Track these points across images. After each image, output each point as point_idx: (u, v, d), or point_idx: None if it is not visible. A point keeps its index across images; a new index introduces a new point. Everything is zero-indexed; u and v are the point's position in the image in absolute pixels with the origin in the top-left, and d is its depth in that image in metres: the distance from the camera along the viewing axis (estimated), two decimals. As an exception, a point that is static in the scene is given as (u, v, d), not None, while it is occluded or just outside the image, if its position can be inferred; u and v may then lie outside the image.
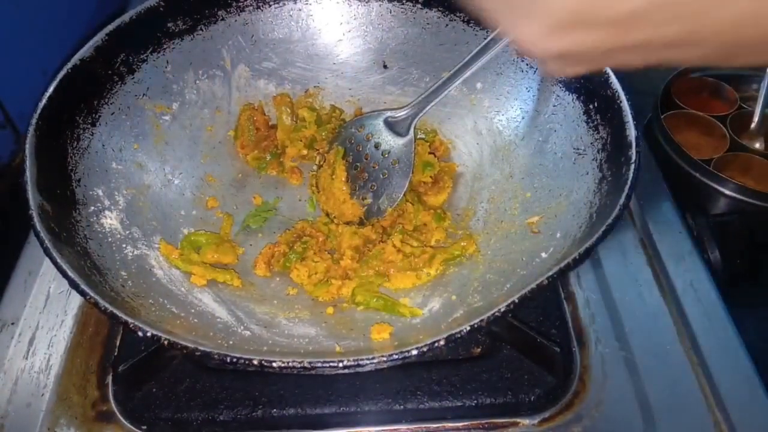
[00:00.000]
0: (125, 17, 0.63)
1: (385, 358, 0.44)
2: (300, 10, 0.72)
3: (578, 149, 0.58)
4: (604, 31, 0.27)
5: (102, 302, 0.46)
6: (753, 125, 0.81)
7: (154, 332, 0.44)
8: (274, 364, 0.43)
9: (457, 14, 0.68)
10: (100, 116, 0.61)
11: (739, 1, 0.26)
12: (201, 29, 0.69)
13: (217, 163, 0.71)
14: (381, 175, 0.65)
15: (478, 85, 0.69)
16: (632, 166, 0.49)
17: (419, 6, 0.70)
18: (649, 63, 0.30)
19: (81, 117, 0.60)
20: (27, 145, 0.53)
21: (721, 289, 0.63)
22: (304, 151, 0.72)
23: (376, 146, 0.65)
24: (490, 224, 0.64)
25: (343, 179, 0.66)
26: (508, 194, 0.64)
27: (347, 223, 0.65)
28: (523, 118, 0.66)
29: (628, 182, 0.49)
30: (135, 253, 0.58)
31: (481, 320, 0.45)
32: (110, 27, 0.62)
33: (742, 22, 0.27)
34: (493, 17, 0.30)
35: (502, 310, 0.45)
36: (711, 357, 0.58)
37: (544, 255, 0.54)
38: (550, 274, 0.46)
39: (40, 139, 0.54)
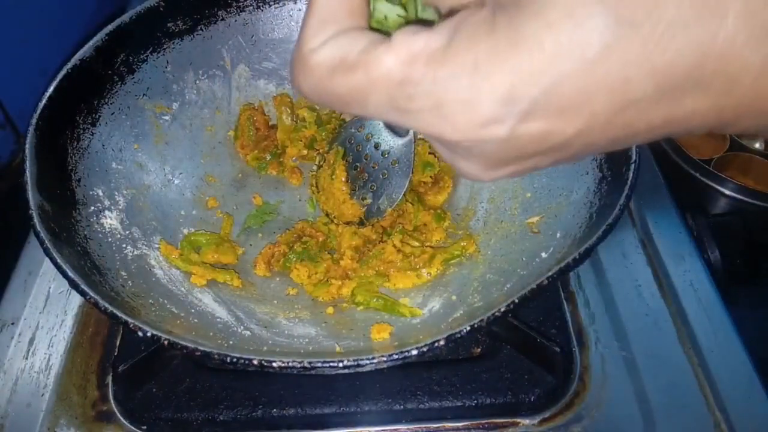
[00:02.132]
0: (125, 17, 0.63)
1: (385, 358, 0.44)
2: (300, 10, 0.72)
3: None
4: (537, 159, 0.28)
5: (102, 302, 0.45)
6: (753, 125, 0.81)
7: (154, 332, 0.44)
8: (274, 364, 0.43)
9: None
10: (100, 116, 0.61)
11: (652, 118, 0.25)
12: (201, 29, 0.69)
13: (217, 163, 0.71)
14: (381, 176, 0.65)
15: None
16: (632, 166, 0.49)
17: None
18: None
19: (81, 117, 0.60)
20: (27, 145, 0.53)
21: (721, 289, 0.63)
22: (304, 151, 0.72)
23: (376, 146, 0.65)
24: (490, 224, 0.64)
25: (343, 179, 0.66)
26: (508, 194, 0.64)
27: (347, 223, 0.65)
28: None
29: (628, 182, 0.49)
30: (135, 253, 0.58)
31: (481, 320, 0.45)
32: (110, 27, 0.62)
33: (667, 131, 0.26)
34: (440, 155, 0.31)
35: (502, 310, 0.45)
36: (711, 357, 0.58)
37: (544, 255, 0.54)
38: (550, 274, 0.45)
39: (40, 139, 0.54)
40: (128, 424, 0.56)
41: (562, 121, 0.25)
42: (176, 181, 0.67)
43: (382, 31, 0.28)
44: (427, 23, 0.28)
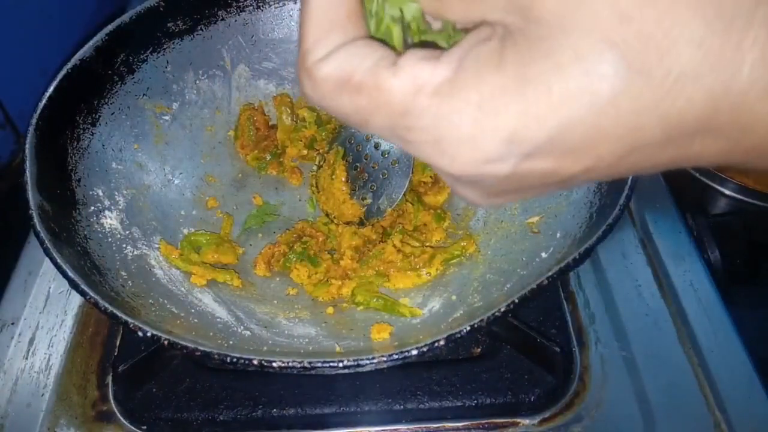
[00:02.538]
0: (125, 17, 0.62)
1: (385, 358, 0.44)
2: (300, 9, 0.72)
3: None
4: (537, 190, 0.28)
5: (102, 302, 0.45)
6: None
7: (154, 332, 0.44)
8: (274, 364, 0.43)
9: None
10: (100, 116, 0.61)
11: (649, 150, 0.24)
12: (201, 29, 0.69)
13: (217, 163, 0.71)
14: (381, 176, 0.65)
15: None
16: (632, 166, 0.49)
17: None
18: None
19: (81, 117, 0.60)
20: (27, 145, 0.53)
21: (721, 289, 0.63)
22: (304, 151, 0.72)
23: (376, 146, 0.65)
24: (490, 224, 0.64)
25: (343, 179, 0.66)
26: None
27: (347, 223, 0.65)
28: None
29: (628, 182, 0.49)
30: (135, 253, 0.58)
31: (481, 320, 0.45)
32: (110, 27, 0.62)
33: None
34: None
35: (502, 310, 0.45)
36: (711, 357, 0.58)
37: (544, 255, 0.54)
38: (550, 274, 0.45)
39: (40, 139, 0.54)
40: (128, 424, 0.56)
41: (565, 162, 0.25)
42: (176, 181, 0.67)
43: (386, 42, 0.28)
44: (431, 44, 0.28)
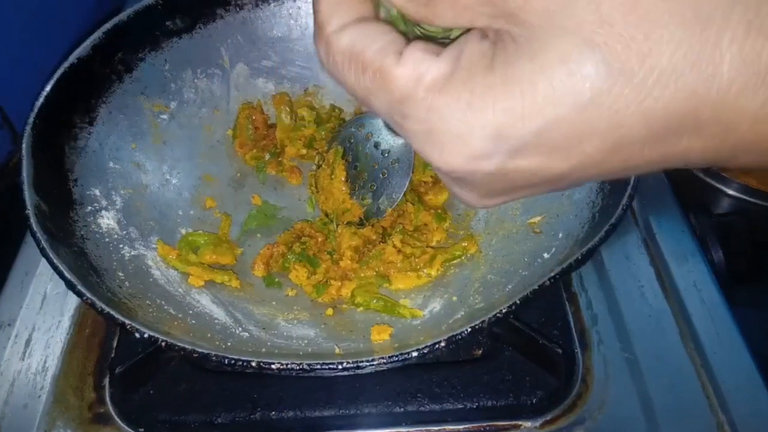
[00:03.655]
0: (123, 15, 0.62)
1: (385, 360, 0.44)
2: (299, 8, 0.71)
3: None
4: (528, 190, 0.29)
5: (99, 303, 0.45)
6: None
7: (152, 334, 0.44)
8: (273, 366, 0.43)
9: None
10: (97, 115, 0.61)
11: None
12: (199, 28, 0.68)
13: (216, 162, 0.70)
14: (381, 175, 0.64)
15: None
16: (635, 166, 0.49)
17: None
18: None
19: (78, 116, 0.59)
20: (24, 145, 0.52)
21: (724, 289, 0.63)
22: (303, 151, 0.72)
23: (376, 146, 0.64)
24: (491, 224, 0.63)
25: (343, 179, 0.65)
26: (509, 194, 0.64)
27: (347, 224, 0.64)
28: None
29: (631, 182, 0.48)
30: (132, 253, 0.57)
31: (483, 321, 0.44)
32: (108, 25, 0.61)
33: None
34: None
35: (504, 311, 0.44)
36: (714, 358, 0.58)
37: (546, 255, 0.54)
38: (552, 275, 0.45)
39: (36, 139, 0.53)
40: (125, 427, 0.56)
41: (552, 160, 0.26)
42: (174, 181, 0.66)
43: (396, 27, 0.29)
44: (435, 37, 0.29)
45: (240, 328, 0.54)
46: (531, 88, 0.24)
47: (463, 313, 0.54)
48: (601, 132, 0.24)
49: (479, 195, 0.30)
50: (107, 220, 0.58)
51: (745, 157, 0.25)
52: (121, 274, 0.54)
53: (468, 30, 0.27)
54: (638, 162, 0.26)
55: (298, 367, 0.43)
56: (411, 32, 0.30)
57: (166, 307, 0.53)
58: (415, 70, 0.26)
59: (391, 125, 0.29)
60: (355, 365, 0.44)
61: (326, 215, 0.66)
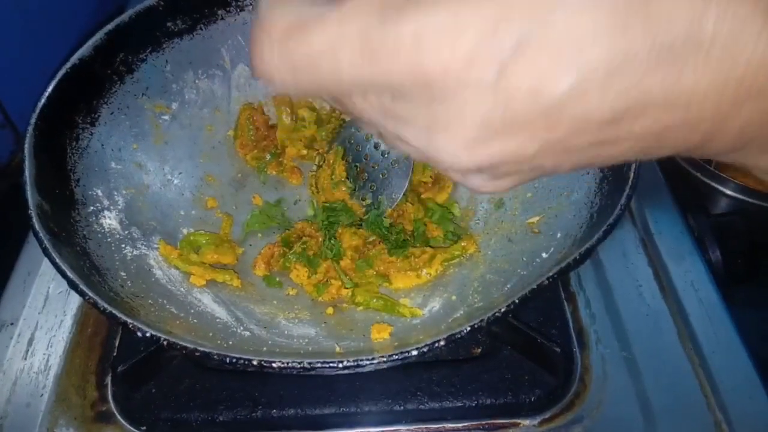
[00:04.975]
0: (125, 16, 0.62)
1: (384, 359, 0.44)
2: (300, 9, 0.71)
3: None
4: (528, 132, 0.25)
5: (101, 302, 0.45)
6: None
7: (154, 333, 0.44)
8: (274, 365, 0.43)
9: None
10: (99, 116, 0.61)
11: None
12: (200, 29, 0.68)
13: (217, 162, 0.70)
14: (380, 176, 0.65)
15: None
16: (633, 166, 0.49)
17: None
18: (589, 165, 0.28)
19: (80, 117, 0.59)
20: (26, 145, 0.52)
21: (722, 289, 0.63)
22: (304, 151, 0.72)
23: (376, 146, 0.65)
24: (490, 224, 0.64)
25: (343, 179, 0.65)
26: (508, 194, 0.64)
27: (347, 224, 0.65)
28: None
29: (629, 182, 0.49)
30: (134, 253, 0.57)
31: (482, 320, 0.44)
32: (109, 26, 0.61)
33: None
34: (411, 145, 0.28)
35: (503, 310, 0.45)
36: (712, 357, 0.58)
37: (544, 255, 0.54)
38: (551, 274, 0.45)
39: (39, 139, 0.54)
40: (127, 425, 0.56)
41: (516, 142, 0.25)
42: (175, 181, 0.67)
43: None
44: None
45: (241, 327, 0.55)
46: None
47: (462, 312, 0.54)
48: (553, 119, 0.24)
49: (466, 141, 0.26)
50: (109, 220, 0.58)
51: (718, 143, 0.25)
52: (123, 273, 0.54)
53: None
54: (618, 144, 0.25)
55: (298, 366, 0.43)
56: None
57: (167, 307, 0.53)
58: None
59: (387, 138, 0.28)
60: (355, 364, 0.44)
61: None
